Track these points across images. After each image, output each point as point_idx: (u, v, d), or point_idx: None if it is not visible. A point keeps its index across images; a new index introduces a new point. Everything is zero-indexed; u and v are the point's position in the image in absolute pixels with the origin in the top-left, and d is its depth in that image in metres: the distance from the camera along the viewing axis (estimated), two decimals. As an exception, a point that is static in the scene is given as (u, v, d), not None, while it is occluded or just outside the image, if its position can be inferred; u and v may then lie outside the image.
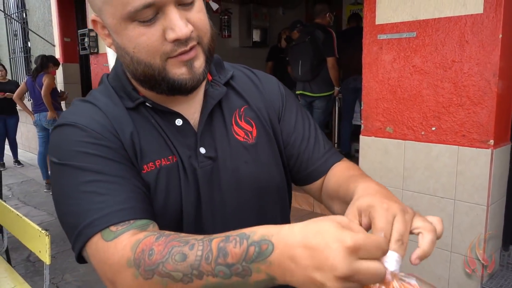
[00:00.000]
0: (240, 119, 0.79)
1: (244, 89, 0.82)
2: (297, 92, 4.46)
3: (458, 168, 2.39)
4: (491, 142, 2.26)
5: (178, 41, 0.63)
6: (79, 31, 5.67)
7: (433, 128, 2.47)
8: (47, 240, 2.08)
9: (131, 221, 0.61)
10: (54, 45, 6.43)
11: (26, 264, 3.34)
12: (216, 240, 0.52)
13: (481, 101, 2.28)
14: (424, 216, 0.59)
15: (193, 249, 0.52)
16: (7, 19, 7.67)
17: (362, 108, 2.82)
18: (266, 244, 0.48)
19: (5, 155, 6.67)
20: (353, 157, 4.63)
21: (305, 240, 0.46)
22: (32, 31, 6.74)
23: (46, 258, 2.07)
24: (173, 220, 0.73)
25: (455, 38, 2.33)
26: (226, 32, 6.11)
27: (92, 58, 5.59)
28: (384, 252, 0.48)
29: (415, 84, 2.52)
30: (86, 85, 6.63)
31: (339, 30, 6.58)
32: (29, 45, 7.40)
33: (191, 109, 0.76)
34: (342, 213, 0.59)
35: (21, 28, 7.52)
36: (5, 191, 3.35)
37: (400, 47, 2.56)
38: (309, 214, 3.89)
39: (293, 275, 0.47)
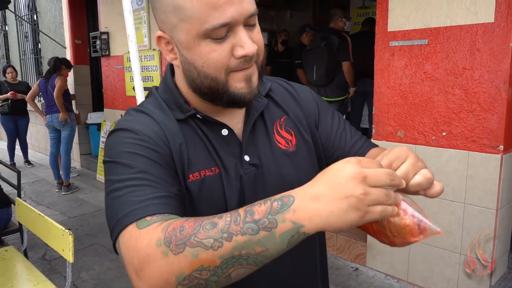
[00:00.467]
0: (280, 129, 0.86)
1: (283, 100, 0.89)
2: None
3: (468, 172, 2.46)
4: (501, 147, 2.33)
5: (244, 58, 0.69)
6: (90, 33, 5.76)
7: (444, 133, 2.54)
8: (70, 239, 2.16)
9: (166, 214, 0.66)
10: (65, 47, 6.52)
11: (42, 262, 3.41)
12: (243, 207, 0.58)
13: (491, 107, 2.34)
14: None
15: (222, 217, 0.58)
16: (18, 21, 7.77)
17: (373, 112, 2.88)
18: (287, 198, 0.56)
19: (15, 155, 6.78)
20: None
21: (323, 179, 0.56)
22: (43, 32, 6.83)
23: (69, 256, 2.15)
24: None
25: (466, 46, 2.39)
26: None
27: (103, 60, 5.68)
28: (392, 178, 0.56)
29: (426, 90, 2.59)
30: (96, 87, 6.72)
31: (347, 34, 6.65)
32: (39, 47, 7.49)
33: (235, 120, 0.82)
34: None
35: (32, 30, 7.61)
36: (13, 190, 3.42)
37: (412, 54, 2.62)
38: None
39: (320, 214, 0.54)
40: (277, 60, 5.75)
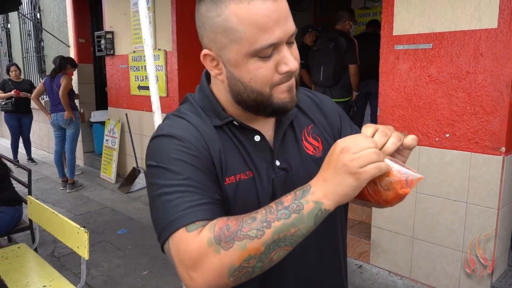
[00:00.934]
0: (308, 136, 0.93)
1: (309, 109, 0.96)
2: None
3: (471, 173, 2.53)
4: (503, 149, 2.40)
5: (287, 73, 0.76)
6: (95, 33, 5.80)
7: (447, 135, 2.61)
8: (86, 236, 2.22)
9: (210, 221, 0.72)
10: (68, 46, 6.56)
11: (51, 259, 3.48)
12: (273, 201, 0.71)
13: (493, 110, 2.42)
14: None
15: (258, 212, 0.69)
16: (21, 19, 7.80)
17: (378, 114, 2.96)
18: (306, 186, 0.70)
19: (18, 153, 6.82)
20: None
21: (325, 165, 0.71)
22: (46, 31, 6.87)
23: (85, 253, 2.21)
24: None
25: (470, 50, 2.46)
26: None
27: (108, 60, 5.73)
28: (370, 142, 0.67)
29: (430, 93, 2.66)
30: (99, 85, 6.77)
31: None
32: (42, 45, 7.53)
33: (266, 126, 0.89)
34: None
35: (35, 28, 7.64)
36: (22, 188, 3.48)
37: (417, 57, 2.69)
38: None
39: (330, 190, 0.67)
40: None
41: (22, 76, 6.90)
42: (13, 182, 3.39)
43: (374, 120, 4.63)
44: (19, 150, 6.83)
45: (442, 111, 2.62)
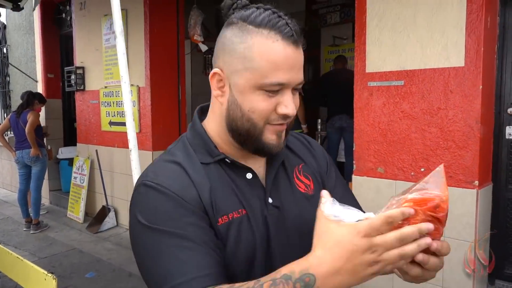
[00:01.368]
0: (299, 174, 0.94)
1: (299, 150, 0.99)
2: None
3: (447, 206, 2.56)
4: (476, 182, 2.46)
5: (284, 116, 0.79)
6: (65, 68, 5.70)
7: (422, 169, 2.66)
8: (54, 283, 2.06)
9: (215, 286, 0.71)
10: (36, 81, 6.41)
11: (12, 308, 3.22)
12: (266, 284, 0.64)
13: (465, 145, 2.49)
14: None
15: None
16: (-14, 53, 7.61)
17: (354, 149, 2.99)
18: (307, 277, 0.62)
19: (-22, 192, 6.47)
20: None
21: (336, 251, 0.63)
22: (13, 66, 6.70)
23: (52, 302, 2.06)
24: (244, 261, 0.83)
25: (440, 87, 2.56)
26: (210, 70, 6.26)
27: (77, 95, 5.61)
28: (392, 222, 0.63)
29: (404, 128, 2.72)
30: (68, 120, 6.59)
31: (322, 71, 6.91)
32: (8, 80, 7.32)
33: (257, 164, 0.89)
34: None
35: (1, 63, 7.45)
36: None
37: (389, 93, 2.77)
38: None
39: (343, 285, 0.63)
40: None
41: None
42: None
43: (348, 154, 4.69)
44: (-21, 189, 6.47)
45: (416, 145, 2.68)
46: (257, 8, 0.79)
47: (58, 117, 6.47)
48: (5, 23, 7.20)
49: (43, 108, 5.66)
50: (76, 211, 5.48)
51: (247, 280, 0.70)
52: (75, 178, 5.61)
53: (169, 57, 4.66)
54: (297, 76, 0.79)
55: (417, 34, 2.62)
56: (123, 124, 4.42)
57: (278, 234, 0.86)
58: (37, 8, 6.17)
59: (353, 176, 2.98)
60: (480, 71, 2.41)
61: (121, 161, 4.92)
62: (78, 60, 5.52)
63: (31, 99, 5.05)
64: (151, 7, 4.45)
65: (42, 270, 2.16)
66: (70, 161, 5.94)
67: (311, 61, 7.46)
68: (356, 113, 2.96)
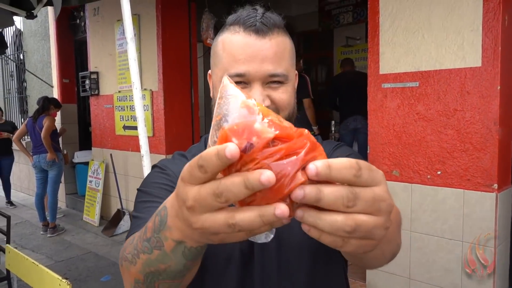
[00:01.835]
0: None
1: None
2: None
3: (465, 211, 2.50)
4: (495, 186, 2.39)
5: None
6: (80, 73, 5.77)
7: (439, 172, 2.60)
8: (68, 289, 2.08)
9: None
10: (52, 86, 6.50)
11: (29, 312, 3.26)
12: (153, 214, 0.54)
13: (483, 147, 2.42)
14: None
15: (142, 229, 0.57)
16: (3, 60, 7.75)
17: (368, 151, 2.94)
18: (164, 210, 0.49)
19: (-3, 195, 6.59)
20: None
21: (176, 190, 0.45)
22: (30, 71, 6.81)
23: (67, 308, 2.07)
24: (225, 266, 0.80)
25: (456, 88, 2.50)
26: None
27: (92, 100, 5.67)
28: (202, 167, 0.39)
29: (420, 130, 2.67)
30: (83, 125, 6.67)
31: (331, 73, 6.86)
32: (25, 85, 7.45)
33: None
34: None
35: (18, 69, 7.59)
36: (0, 235, 3.31)
37: (404, 95, 2.72)
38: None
39: (184, 235, 0.46)
40: None
41: (3, 118, 6.76)
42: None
43: (362, 156, 4.63)
44: (-2, 193, 6.60)
45: (432, 148, 2.62)
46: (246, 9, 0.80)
47: (73, 122, 6.56)
48: (22, 30, 7.33)
49: (58, 113, 5.73)
50: (92, 214, 5.53)
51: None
52: (90, 181, 5.67)
53: (181, 61, 4.68)
54: (261, 67, 0.75)
55: (431, 34, 2.57)
56: (137, 128, 4.45)
57: (263, 243, 0.78)
58: (52, 15, 6.26)
59: (368, 179, 2.93)
60: (498, 71, 2.35)
61: (135, 164, 4.95)
62: (92, 65, 5.58)
63: (46, 104, 5.12)
64: (163, 11, 4.47)
65: (56, 276, 2.18)
66: (86, 165, 6.01)
67: (324, 62, 7.41)
68: (370, 115, 2.91)
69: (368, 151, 2.95)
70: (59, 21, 6.29)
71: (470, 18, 2.41)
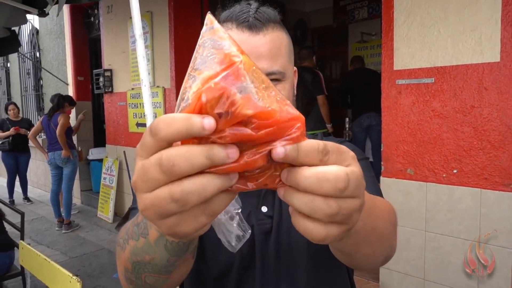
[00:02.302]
0: None
1: None
2: None
3: (482, 210, 2.43)
4: (514, 185, 2.31)
5: None
6: (94, 71, 5.82)
7: (455, 171, 2.53)
8: (78, 286, 2.09)
9: None
10: (67, 84, 6.57)
11: (43, 307, 3.30)
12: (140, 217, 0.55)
13: (502, 145, 2.34)
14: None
15: (135, 217, 0.57)
16: (20, 58, 7.87)
17: (382, 149, 2.88)
18: None
19: (14, 191, 6.70)
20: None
21: None
22: (45, 69, 6.90)
23: (77, 305, 2.07)
24: (225, 270, 0.78)
25: (473, 84, 2.42)
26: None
27: (106, 97, 5.71)
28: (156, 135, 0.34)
29: (435, 127, 2.60)
30: (97, 122, 6.73)
31: (346, 69, 6.77)
32: (41, 83, 7.56)
33: None
34: None
35: (34, 67, 7.70)
36: (15, 230, 3.35)
37: (419, 92, 2.65)
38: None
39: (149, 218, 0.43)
40: None
41: (20, 115, 6.87)
42: (6, 225, 3.27)
43: (376, 154, 4.56)
44: (15, 188, 6.71)
45: (448, 146, 2.55)
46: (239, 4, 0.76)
47: (88, 119, 6.62)
48: (38, 29, 7.43)
49: (73, 110, 5.80)
50: (106, 211, 5.58)
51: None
52: (104, 178, 5.72)
53: (194, 58, 4.66)
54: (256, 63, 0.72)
55: (448, 28, 2.49)
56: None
57: (265, 247, 0.78)
58: (67, 13, 6.33)
59: (381, 178, 2.88)
60: (517, 66, 2.26)
61: (148, 162, 4.97)
62: (106, 63, 5.61)
63: (61, 102, 5.18)
64: (175, 8, 4.46)
65: (67, 273, 2.19)
66: (100, 162, 6.07)
67: (338, 58, 7.32)
68: (384, 112, 2.85)
69: (381, 149, 2.89)
70: (74, 19, 6.35)
71: (488, 11, 2.33)
